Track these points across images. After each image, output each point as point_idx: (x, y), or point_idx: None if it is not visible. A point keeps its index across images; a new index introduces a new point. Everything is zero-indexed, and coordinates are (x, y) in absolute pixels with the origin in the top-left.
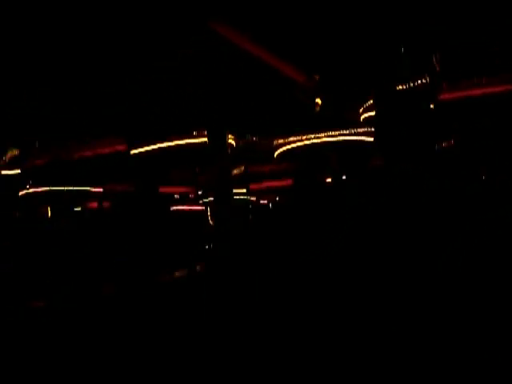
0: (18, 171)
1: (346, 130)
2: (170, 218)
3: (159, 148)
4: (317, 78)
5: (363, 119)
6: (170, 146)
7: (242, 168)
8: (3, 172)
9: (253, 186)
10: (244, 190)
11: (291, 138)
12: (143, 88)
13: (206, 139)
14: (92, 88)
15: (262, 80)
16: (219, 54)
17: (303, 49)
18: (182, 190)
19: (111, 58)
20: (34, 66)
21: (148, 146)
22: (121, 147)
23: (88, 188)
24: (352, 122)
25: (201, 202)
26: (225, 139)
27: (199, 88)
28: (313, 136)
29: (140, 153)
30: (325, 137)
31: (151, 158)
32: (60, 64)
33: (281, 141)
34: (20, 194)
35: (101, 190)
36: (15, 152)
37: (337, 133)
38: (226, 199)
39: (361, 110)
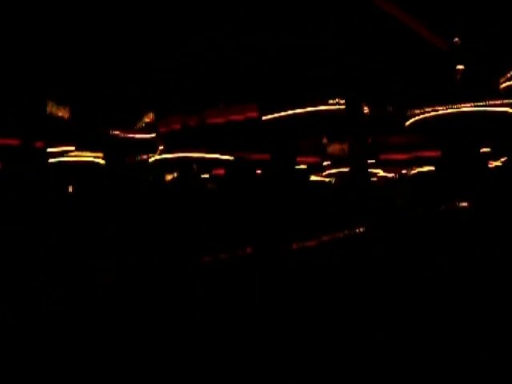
0: (153, 135)
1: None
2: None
3: (291, 115)
4: (458, 42)
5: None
6: (301, 113)
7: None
8: (138, 136)
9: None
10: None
11: (430, 108)
12: (279, 54)
13: (339, 107)
14: (225, 54)
15: (402, 47)
16: (359, 19)
17: (444, 12)
18: (309, 160)
19: (250, 23)
20: (173, 34)
21: (280, 112)
22: (252, 114)
23: (217, 155)
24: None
25: (324, 173)
26: (361, 108)
27: (337, 54)
28: (457, 106)
29: (272, 119)
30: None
31: (283, 125)
32: (197, 32)
33: (416, 111)
34: (151, 159)
35: (230, 157)
36: (151, 117)
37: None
38: (362, 171)
39: (502, 80)
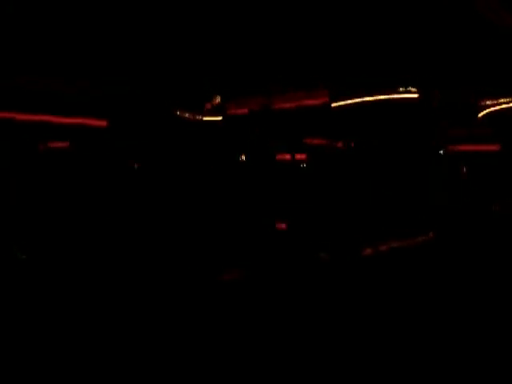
0: (220, 118)
1: None
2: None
3: (361, 102)
4: None
5: None
6: (372, 101)
7: None
8: (205, 118)
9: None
10: None
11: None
12: (350, 39)
13: (411, 96)
14: (295, 37)
15: (478, 33)
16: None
17: None
18: None
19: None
20: (243, 17)
21: (350, 99)
22: (323, 100)
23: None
24: None
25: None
26: (434, 96)
27: (412, 41)
28: None
29: (342, 106)
30: None
31: (353, 112)
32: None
33: (488, 102)
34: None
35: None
36: (218, 99)
37: None
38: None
39: None
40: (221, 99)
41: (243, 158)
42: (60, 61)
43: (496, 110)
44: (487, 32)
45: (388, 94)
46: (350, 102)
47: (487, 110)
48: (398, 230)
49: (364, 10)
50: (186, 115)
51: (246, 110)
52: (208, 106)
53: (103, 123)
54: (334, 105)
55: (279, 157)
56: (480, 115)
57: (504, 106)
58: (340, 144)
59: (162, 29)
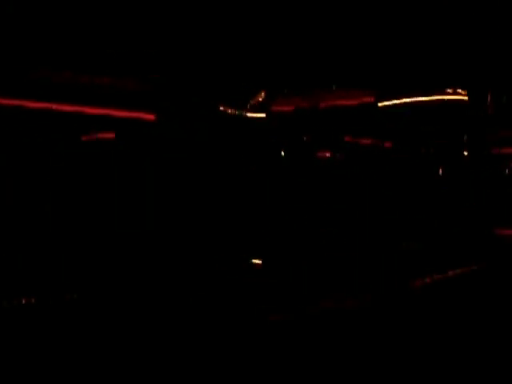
0: (263, 115)
1: None
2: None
3: (409, 102)
4: None
5: None
6: (420, 101)
7: None
8: (249, 114)
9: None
10: None
11: None
12: (401, 38)
13: (461, 97)
14: (341, 36)
15: None
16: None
17: None
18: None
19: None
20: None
21: (397, 99)
22: (369, 99)
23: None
24: None
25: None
26: (486, 98)
27: (463, 41)
28: None
29: (388, 106)
30: None
31: (399, 112)
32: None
33: None
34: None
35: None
36: (262, 96)
37: None
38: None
39: None
40: (266, 95)
41: (283, 154)
42: (113, 59)
43: None
44: None
45: (436, 95)
46: (396, 102)
47: None
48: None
49: (414, 6)
50: (230, 111)
51: (291, 108)
52: (252, 101)
53: (151, 117)
54: (380, 104)
55: (320, 154)
56: None
57: None
58: (383, 144)
59: (207, 25)
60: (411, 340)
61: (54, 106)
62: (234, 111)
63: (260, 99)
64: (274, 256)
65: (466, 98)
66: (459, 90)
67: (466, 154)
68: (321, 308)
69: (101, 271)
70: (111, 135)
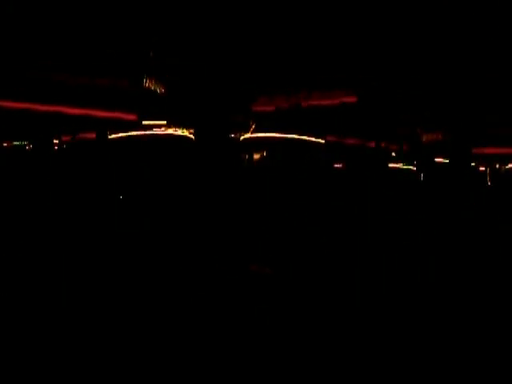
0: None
1: None
2: None
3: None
4: None
5: None
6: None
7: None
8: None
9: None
10: None
11: None
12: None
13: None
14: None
15: None
16: None
17: None
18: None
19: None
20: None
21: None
22: (350, 99)
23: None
24: None
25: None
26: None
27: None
28: None
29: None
30: None
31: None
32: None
33: None
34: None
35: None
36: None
37: None
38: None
39: None
40: (246, 95)
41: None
42: (105, 61)
43: None
44: None
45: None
46: (377, 101)
47: None
48: None
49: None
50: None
51: (272, 107)
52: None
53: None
54: (359, 104)
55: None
56: None
57: None
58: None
59: (182, 37)
60: None
61: (36, 106)
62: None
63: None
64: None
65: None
66: None
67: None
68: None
69: (92, 272)
70: (92, 135)
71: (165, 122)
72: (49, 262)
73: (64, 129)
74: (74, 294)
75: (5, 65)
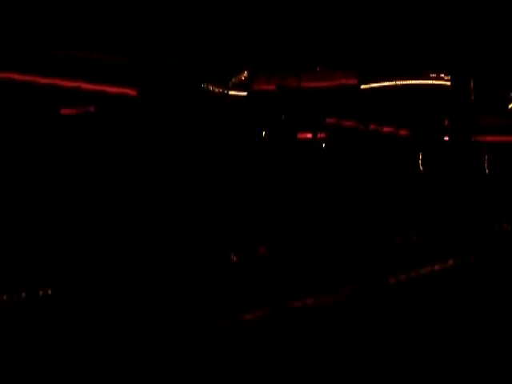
0: (245, 93)
1: None
2: None
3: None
4: None
5: None
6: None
7: None
8: (232, 92)
9: None
10: None
11: None
12: (385, 20)
13: (443, 82)
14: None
15: None
16: None
17: None
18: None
19: None
20: None
21: (380, 82)
22: (351, 81)
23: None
24: None
25: None
26: (469, 84)
27: (446, 24)
28: None
29: (370, 89)
30: None
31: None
32: None
33: None
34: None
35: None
36: (245, 75)
37: None
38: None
39: None
40: (248, 74)
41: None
42: (101, 35)
43: None
44: None
45: (419, 79)
46: (379, 84)
47: None
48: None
49: None
50: (211, 88)
51: (273, 87)
52: (234, 80)
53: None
54: (363, 86)
55: (301, 135)
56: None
57: None
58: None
59: (191, 2)
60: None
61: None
62: (216, 89)
63: (242, 78)
64: (254, 250)
65: (448, 83)
66: (442, 75)
67: (446, 139)
68: (302, 303)
69: (81, 267)
70: (92, 109)
71: None
72: (49, 247)
73: (67, 102)
74: (75, 285)
75: (10, 38)
